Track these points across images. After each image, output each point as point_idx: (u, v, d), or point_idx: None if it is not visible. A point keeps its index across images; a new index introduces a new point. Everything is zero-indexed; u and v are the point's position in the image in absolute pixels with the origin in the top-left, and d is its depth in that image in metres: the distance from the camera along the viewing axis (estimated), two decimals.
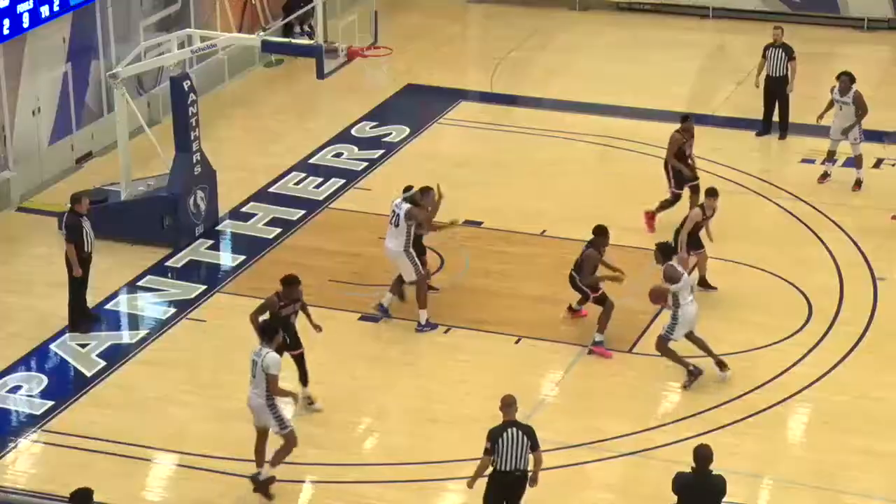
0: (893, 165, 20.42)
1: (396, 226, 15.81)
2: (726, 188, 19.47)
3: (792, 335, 16.03)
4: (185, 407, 14.87)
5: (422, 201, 15.95)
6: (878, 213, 18.83)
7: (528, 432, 12.28)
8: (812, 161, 20.46)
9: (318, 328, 14.71)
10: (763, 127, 21.16)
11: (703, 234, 16.90)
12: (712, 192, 16.76)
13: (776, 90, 20.82)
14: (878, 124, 21.22)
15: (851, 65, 24.39)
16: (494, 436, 12.23)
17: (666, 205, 18.33)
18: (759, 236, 18.33)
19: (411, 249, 15.78)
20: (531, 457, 12.26)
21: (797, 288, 17.02)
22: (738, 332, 16.13)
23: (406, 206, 15.71)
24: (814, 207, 18.95)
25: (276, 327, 13.57)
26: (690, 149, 18.41)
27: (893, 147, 20.75)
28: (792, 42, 20.87)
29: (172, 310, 16.70)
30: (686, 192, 18.37)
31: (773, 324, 16.25)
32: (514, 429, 12.24)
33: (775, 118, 21.23)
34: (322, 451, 14.14)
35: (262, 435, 13.43)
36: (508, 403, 12.38)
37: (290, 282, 14.43)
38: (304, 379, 14.72)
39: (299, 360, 14.68)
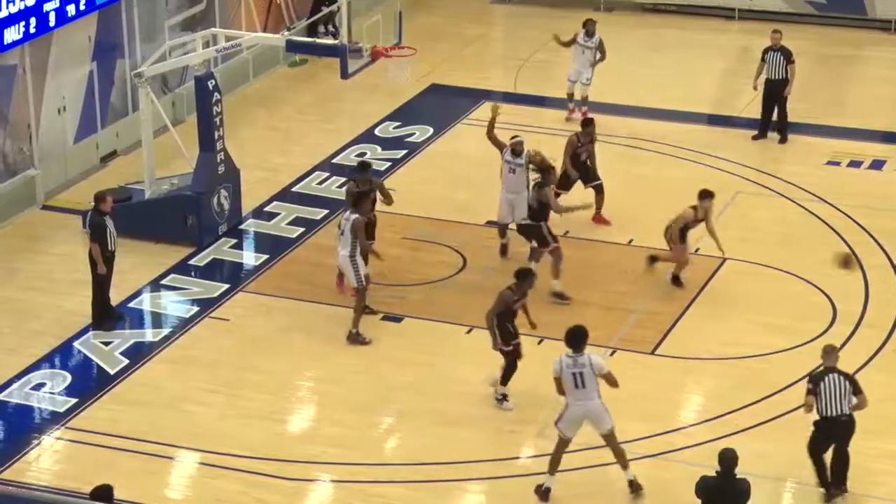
0: None
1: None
2: (751, 190, 19.57)
3: (816, 338, 15.98)
4: (207, 406, 14.94)
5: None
6: None
7: (850, 378, 13.02)
8: (838, 163, 20.44)
9: (533, 325, 14.86)
10: (760, 129, 21.13)
11: (711, 242, 16.83)
12: (706, 195, 16.73)
13: (775, 93, 20.80)
14: None
15: (877, 67, 24.35)
16: (816, 380, 12.96)
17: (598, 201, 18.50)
18: (783, 238, 18.31)
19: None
20: (855, 400, 12.96)
21: (821, 290, 16.99)
22: (759, 334, 16.11)
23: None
24: (839, 209, 18.91)
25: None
26: (588, 154, 18.38)
27: None
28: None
29: (195, 308, 16.77)
30: (592, 193, 18.44)
31: (796, 326, 16.22)
32: (836, 374, 12.92)
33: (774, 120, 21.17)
34: (343, 451, 14.19)
35: None
36: (829, 351, 13.15)
37: (526, 275, 14.57)
38: (504, 377, 14.69)
39: (510, 357, 14.60)
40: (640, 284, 17.11)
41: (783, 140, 21.00)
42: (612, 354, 15.68)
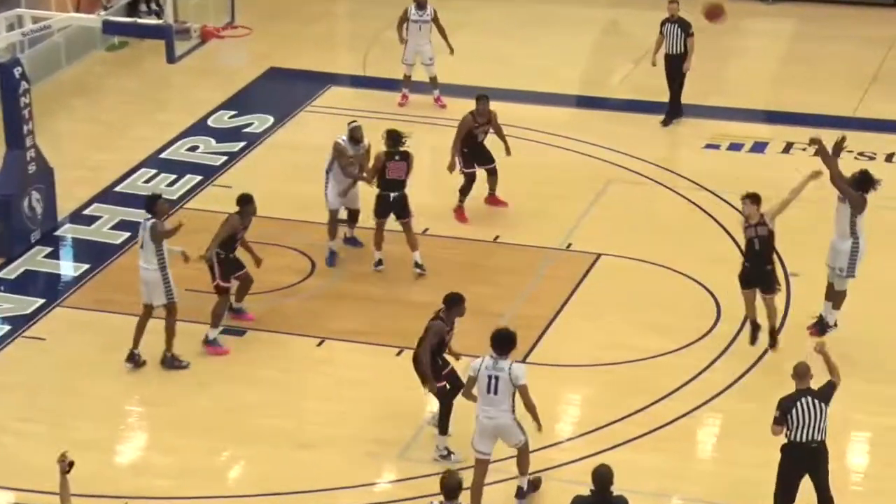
0: (804, 150, 20.75)
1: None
2: (624, 178, 19.77)
3: (699, 339, 16.20)
4: (22, 437, 14.59)
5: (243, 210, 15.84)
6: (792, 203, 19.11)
7: (826, 396, 12.60)
8: (717, 146, 20.76)
9: (457, 356, 14.44)
10: (668, 110, 21.36)
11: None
12: (753, 199, 15.89)
13: (675, 69, 21.06)
14: (779, 105, 21.72)
15: (754, 40, 24.82)
16: (786, 407, 12.53)
17: (465, 190, 18.53)
18: (660, 230, 18.53)
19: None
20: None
21: (703, 286, 17.21)
22: (640, 336, 16.25)
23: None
24: (720, 197, 19.18)
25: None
26: (485, 134, 18.47)
27: (802, 130, 21.08)
28: (690, 17, 21.11)
29: (6, 327, 16.44)
30: (482, 174, 18.59)
31: (679, 326, 16.41)
32: (809, 398, 12.53)
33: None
34: (179, 483, 13.93)
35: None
36: (801, 372, 12.67)
37: (456, 301, 14.14)
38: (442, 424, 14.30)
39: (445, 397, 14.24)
40: (507, 286, 17.15)
41: (666, 123, 21.20)
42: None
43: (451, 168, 18.41)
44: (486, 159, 18.64)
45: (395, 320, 16.35)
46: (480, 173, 18.65)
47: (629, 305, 16.87)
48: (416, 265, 17.26)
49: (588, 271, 17.51)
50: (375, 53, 23.87)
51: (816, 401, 12.61)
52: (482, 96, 18.62)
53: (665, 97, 21.35)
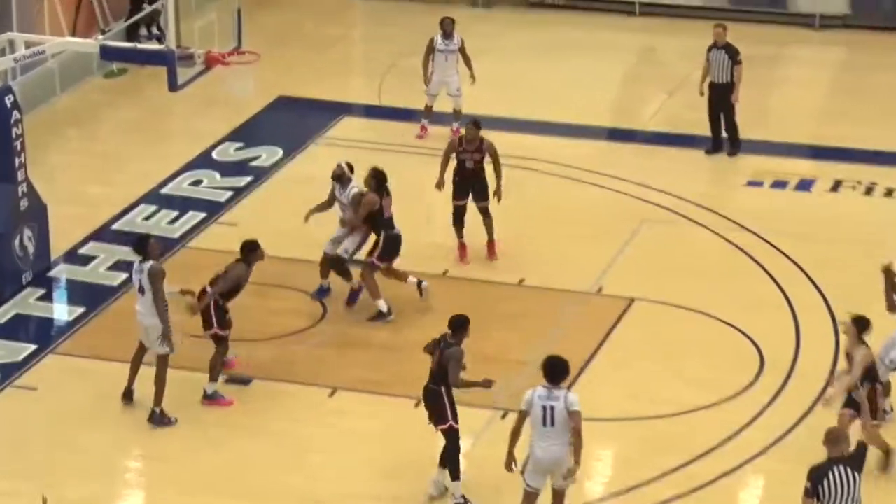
0: (853, 188, 20.75)
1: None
2: (659, 217, 19.77)
3: (740, 392, 16.13)
4: (11, 497, 14.52)
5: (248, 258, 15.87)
6: (837, 244, 19.12)
7: (859, 464, 12.33)
8: (760, 183, 20.76)
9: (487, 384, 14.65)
10: (713, 143, 21.42)
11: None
12: None
13: (720, 99, 21.12)
14: (827, 139, 21.71)
15: (800, 69, 24.79)
16: (817, 477, 12.19)
17: (456, 223, 18.55)
18: (698, 273, 18.49)
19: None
20: None
21: (745, 334, 17.17)
22: (675, 388, 16.19)
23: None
24: (763, 238, 19.17)
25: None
26: (475, 162, 18.36)
27: (852, 167, 21.10)
28: (733, 44, 21.15)
29: None
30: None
31: (718, 378, 16.35)
32: (842, 467, 12.19)
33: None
34: None
35: None
36: (835, 438, 12.35)
37: (463, 323, 14.41)
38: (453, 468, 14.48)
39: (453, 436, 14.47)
40: (532, 332, 17.12)
41: (733, 153, 21.29)
42: (503, 417, 15.64)
43: (438, 186, 18.50)
44: (478, 194, 18.50)
45: (411, 369, 16.24)
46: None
47: (664, 354, 16.82)
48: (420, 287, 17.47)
49: (620, 317, 17.47)
50: (391, 81, 23.96)
51: (849, 470, 12.29)
52: (473, 122, 18.64)
53: (702, 129, 21.38)
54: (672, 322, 17.41)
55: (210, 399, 15.91)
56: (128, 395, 15.86)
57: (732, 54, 21.01)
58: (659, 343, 17.06)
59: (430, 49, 21.54)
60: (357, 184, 17.58)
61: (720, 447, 15.23)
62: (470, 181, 18.45)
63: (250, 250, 15.87)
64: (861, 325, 14.50)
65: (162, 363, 15.56)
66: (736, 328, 17.28)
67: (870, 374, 14.46)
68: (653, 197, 20.25)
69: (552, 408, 13.21)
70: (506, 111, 22.30)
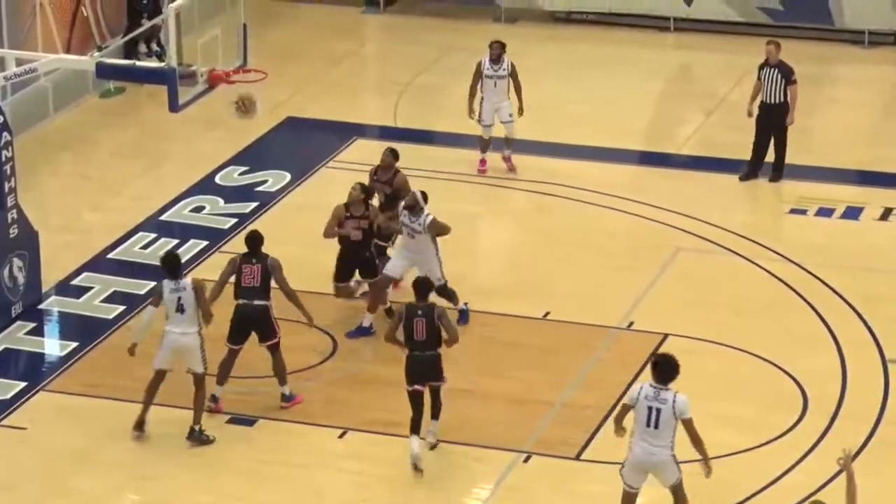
0: None
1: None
2: (695, 246, 19.79)
3: (782, 434, 16.14)
4: None
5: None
6: (887, 276, 19.14)
7: None
8: (804, 211, 20.77)
9: None
10: (750, 168, 21.44)
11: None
12: None
13: (771, 121, 21.13)
14: (876, 164, 21.70)
15: (847, 89, 24.74)
16: None
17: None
18: (737, 307, 18.49)
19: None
20: None
21: (787, 373, 17.17)
22: (713, 429, 15.93)
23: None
24: (807, 270, 19.18)
25: None
26: (384, 195, 18.45)
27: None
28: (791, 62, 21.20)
29: None
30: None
31: (759, 419, 16.36)
32: None
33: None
34: None
35: None
36: None
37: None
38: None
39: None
40: (558, 369, 17.17)
41: (776, 179, 21.32)
42: (526, 461, 15.67)
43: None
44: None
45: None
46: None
47: (700, 394, 16.51)
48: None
49: (652, 354, 17.45)
50: (407, 100, 24.05)
51: None
52: (389, 150, 18.64)
53: (741, 153, 21.44)
54: (708, 359, 17.41)
55: (288, 400, 16.43)
56: (140, 426, 15.97)
57: (786, 73, 21.01)
58: (694, 382, 16.84)
59: (478, 74, 21.43)
60: (429, 210, 17.61)
61: (762, 492, 15.23)
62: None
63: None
64: None
65: (200, 381, 15.80)
66: (777, 366, 17.28)
67: None
68: (688, 225, 20.27)
69: (658, 410, 13.67)
70: (531, 133, 22.32)
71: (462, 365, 16.98)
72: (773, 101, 21.08)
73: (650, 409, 13.72)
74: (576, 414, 16.43)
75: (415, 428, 15.45)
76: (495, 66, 21.40)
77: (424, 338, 15.42)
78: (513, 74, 21.46)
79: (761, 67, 21.19)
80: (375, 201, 18.34)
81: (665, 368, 13.87)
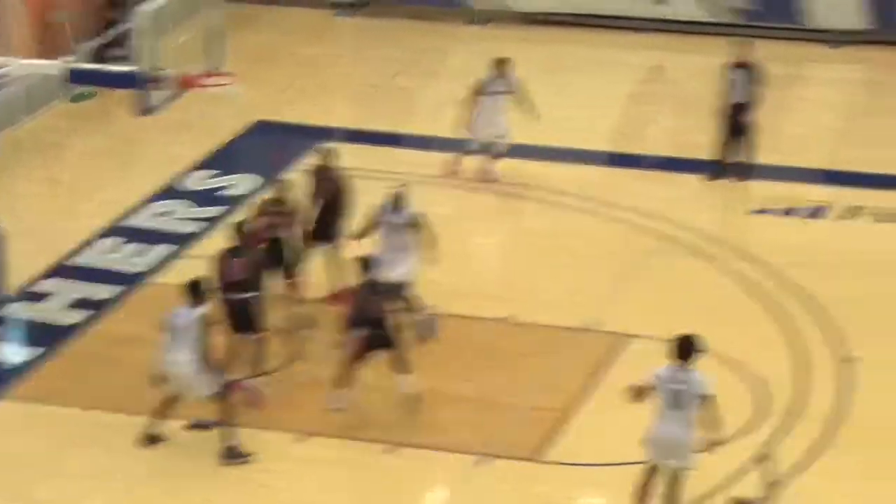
0: (871, 216, 20.70)
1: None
2: (662, 248, 19.77)
3: (746, 435, 16.06)
4: None
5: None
6: (852, 276, 19.13)
7: None
8: (770, 211, 20.76)
9: None
10: (717, 168, 21.44)
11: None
12: None
13: (739, 121, 21.13)
14: (843, 164, 21.75)
15: (815, 89, 24.75)
16: None
17: None
18: (701, 309, 18.37)
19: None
20: None
21: (752, 374, 17.11)
22: None
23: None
24: (772, 270, 19.13)
25: None
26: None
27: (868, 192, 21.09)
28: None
29: None
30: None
31: (724, 420, 16.30)
32: None
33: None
34: None
35: None
36: None
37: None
38: None
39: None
40: (522, 371, 17.13)
41: (743, 179, 21.31)
42: (488, 464, 15.62)
43: None
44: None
45: (387, 412, 16.30)
46: None
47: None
48: None
49: (616, 356, 17.44)
50: (379, 104, 24.04)
51: None
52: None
53: (712, 154, 21.43)
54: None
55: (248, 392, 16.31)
56: (153, 439, 15.82)
57: (755, 73, 21.03)
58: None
59: (479, 90, 21.09)
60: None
61: (721, 491, 15.17)
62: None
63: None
64: None
65: (221, 400, 15.57)
66: (742, 367, 17.24)
67: None
68: (655, 226, 20.25)
69: (679, 391, 13.73)
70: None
71: (428, 368, 16.87)
72: (741, 101, 21.07)
73: (672, 391, 13.83)
74: (539, 416, 16.35)
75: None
76: (498, 83, 21.06)
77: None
78: (519, 89, 21.10)
79: (730, 68, 21.18)
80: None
81: (681, 346, 13.95)
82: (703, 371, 14.05)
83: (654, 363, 17.18)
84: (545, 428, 16.15)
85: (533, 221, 20.62)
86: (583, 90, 24.46)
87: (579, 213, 20.72)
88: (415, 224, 17.48)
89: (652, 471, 14.19)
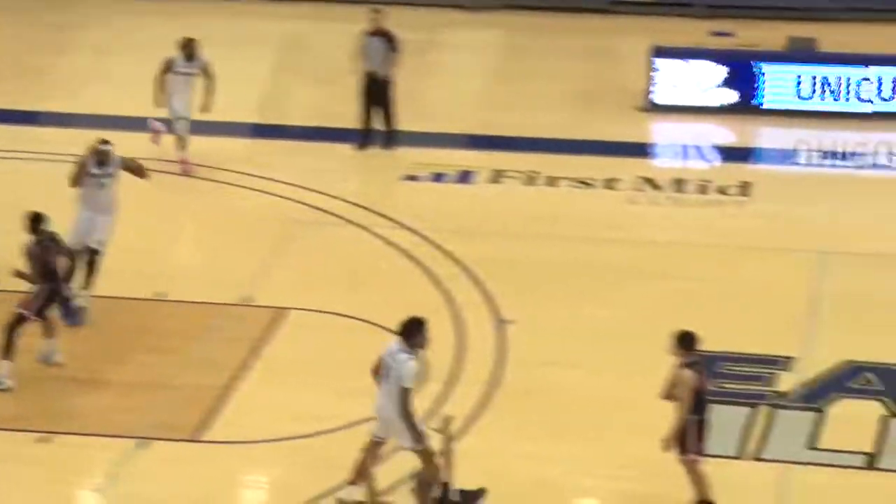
0: (516, 179, 21.04)
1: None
2: (312, 219, 19.67)
3: None
4: None
5: None
6: (500, 238, 19.33)
7: None
8: (416, 178, 20.97)
9: None
10: (363, 137, 21.55)
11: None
12: None
13: (376, 90, 21.25)
14: (487, 129, 22.16)
15: (455, 54, 25.16)
16: None
17: None
18: (355, 278, 18.50)
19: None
20: None
21: None
22: (339, 403, 15.97)
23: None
24: (422, 235, 19.29)
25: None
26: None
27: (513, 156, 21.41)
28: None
29: None
30: None
31: (374, 388, 16.27)
32: None
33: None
34: None
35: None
36: None
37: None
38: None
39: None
40: (177, 351, 16.86)
41: (389, 146, 21.43)
42: (145, 446, 15.27)
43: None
44: None
45: (39, 399, 15.87)
46: None
47: (324, 368, 16.67)
48: None
49: (273, 330, 17.28)
50: (9, 81, 23.33)
51: None
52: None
53: (354, 122, 21.45)
54: (330, 332, 17.33)
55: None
56: None
57: (391, 41, 21.11)
58: (317, 355, 16.95)
59: (167, 69, 20.60)
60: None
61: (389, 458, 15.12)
62: None
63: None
64: (686, 341, 13.96)
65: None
66: (394, 333, 17.21)
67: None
68: (304, 197, 20.22)
69: (389, 367, 13.94)
70: (132, 110, 21.72)
71: (81, 354, 16.57)
72: (377, 69, 21.17)
73: (385, 362, 13.95)
74: (199, 395, 16.09)
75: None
76: (188, 64, 20.69)
77: None
78: (206, 70, 20.81)
79: (365, 35, 21.23)
80: None
81: (403, 326, 14.00)
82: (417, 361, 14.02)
83: (312, 336, 17.29)
84: (206, 407, 15.94)
85: (176, 197, 20.26)
86: (222, 63, 24.05)
87: (224, 186, 20.58)
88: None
89: (374, 445, 14.19)
